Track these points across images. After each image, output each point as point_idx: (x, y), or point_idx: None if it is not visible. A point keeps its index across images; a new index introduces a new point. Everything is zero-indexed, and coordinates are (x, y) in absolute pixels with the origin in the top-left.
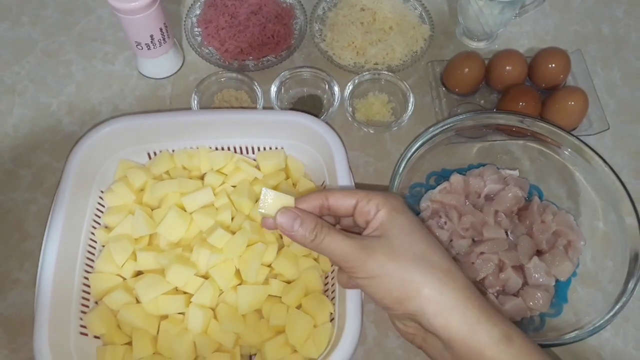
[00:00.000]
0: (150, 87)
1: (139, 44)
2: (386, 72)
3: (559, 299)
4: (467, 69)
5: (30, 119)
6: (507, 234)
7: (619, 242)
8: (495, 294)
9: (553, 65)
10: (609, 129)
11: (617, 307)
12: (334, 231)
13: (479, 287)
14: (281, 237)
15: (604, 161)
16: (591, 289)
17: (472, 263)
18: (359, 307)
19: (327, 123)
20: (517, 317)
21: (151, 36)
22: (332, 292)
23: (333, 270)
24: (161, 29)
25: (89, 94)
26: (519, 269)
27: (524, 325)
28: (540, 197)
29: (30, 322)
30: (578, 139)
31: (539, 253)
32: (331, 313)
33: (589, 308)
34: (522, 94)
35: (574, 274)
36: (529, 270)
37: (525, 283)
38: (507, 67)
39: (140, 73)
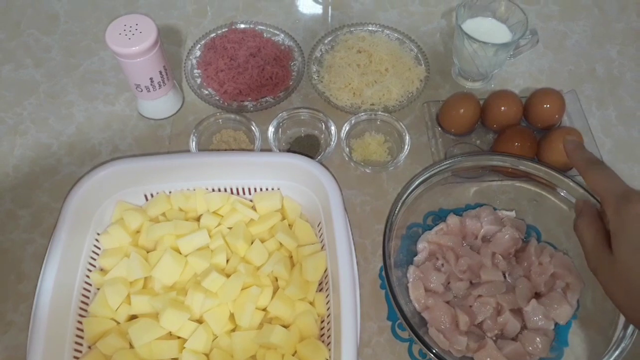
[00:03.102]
0: (149, 128)
1: (138, 86)
2: (382, 113)
3: (560, 343)
4: (462, 110)
5: (30, 159)
6: (504, 276)
7: None
8: (494, 338)
9: (548, 105)
10: None
11: (617, 353)
12: None
13: (477, 331)
14: (276, 280)
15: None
16: (592, 332)
17: (470, 306)
18: (354, 352)
19: (322, 164)
20: None
21: (150, 79)
22: (327, 337)
23: (329, 315)
24: (160, 72)
25: (90, 134)
26: (517, 312)
27: None
28: (539, 238)
29: None
30: (573, 180)
31: (537, 296)
32: (327, 359)
33: (590, 352)
34: (517, 134)
35: (575, 316)
36: (528, 314)
37: (524, 327)
38: (503, 108)
39: (140, 114)
